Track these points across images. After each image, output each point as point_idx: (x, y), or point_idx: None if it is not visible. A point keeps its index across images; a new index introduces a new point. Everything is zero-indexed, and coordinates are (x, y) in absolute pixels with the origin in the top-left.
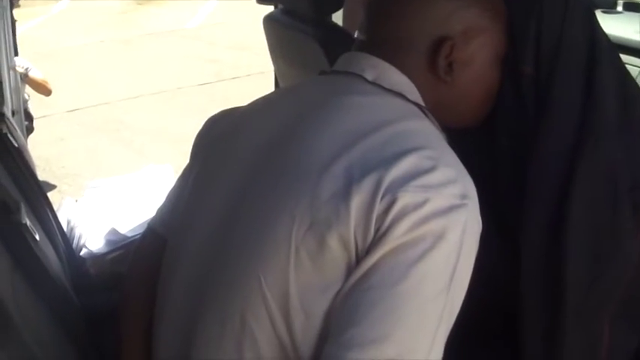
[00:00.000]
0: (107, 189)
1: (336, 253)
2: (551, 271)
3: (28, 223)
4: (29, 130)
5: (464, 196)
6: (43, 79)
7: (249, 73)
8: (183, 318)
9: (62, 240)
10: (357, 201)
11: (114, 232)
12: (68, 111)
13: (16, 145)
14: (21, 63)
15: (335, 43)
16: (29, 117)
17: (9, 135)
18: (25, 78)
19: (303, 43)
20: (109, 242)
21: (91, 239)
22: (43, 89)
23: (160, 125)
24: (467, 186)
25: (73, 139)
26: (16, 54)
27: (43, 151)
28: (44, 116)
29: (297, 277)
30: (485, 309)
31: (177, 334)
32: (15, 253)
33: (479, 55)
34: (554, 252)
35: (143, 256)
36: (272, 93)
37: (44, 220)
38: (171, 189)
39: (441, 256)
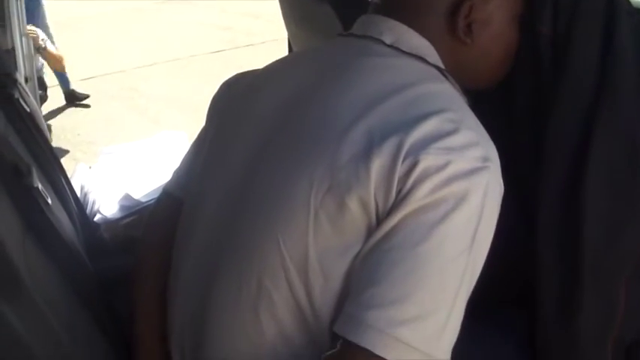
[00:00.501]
0: (121, 155)
1: (356, 215)
2: (568, 232)
3: (40, 186)
4: (43, 98)
5: (486, 159)
6: (59, 54)
7: (263, 41)
8: (198, 281)
9: (75, 205)
10: (378, 164)
11: (128, 197)
12: (83, 79)
13: (29, 110)
14: (39, 35)
15: (348, 5)
16: (43, 86)
17: (21, 100)
18: (42, 51)
19: (315, 6)
20: (122, 208)
21: (105, 205)
22: (58, 64)
23: (174, 93)
24: (488, 148)
25: (87, 107)
26: (43, 23)
27: (58, 119)
28: (59, 85)
29: (316, 240)
30: (503, 272)
31: (192, 297)
32: (26, 216)
33: (497, 15)
34: (571, 213)
35: (158, 219)
36: (289, 55)
37: (57, 185)
38: (187, 152)
39: (462, 218)
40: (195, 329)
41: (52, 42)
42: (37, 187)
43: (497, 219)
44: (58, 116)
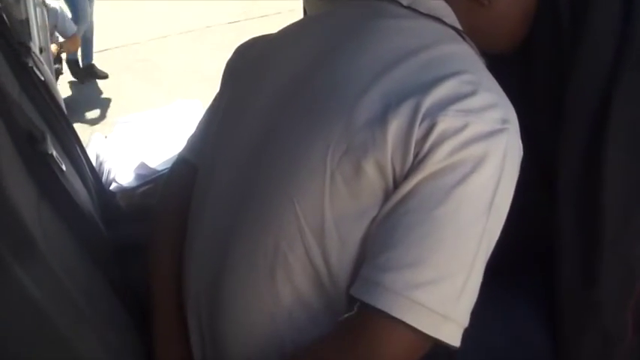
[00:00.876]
0: (136, 124)
1: (373, 178)
2: (588, 197)
3: (55, 153)
4: (59, 72)
5: (505, 121)
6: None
7: (278, 11)
8: (214, 247)
9: (91, 174)
10: (394, 126)
11: (143, 166)
12: (98, 51)
13: (43, 79)
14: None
15: None
16: (59, 60)
17: (35, 69)
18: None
19: None
20: (138, 176)
21: (121, 173)
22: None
23: (189, 64)
24: (507, 111)
25: (103, 80)
26: None
27: (73, 92)
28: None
29: (332, 203)
30: (522, 237)
31: (208, 262)
32: (41, 182)
33: None
34: (591, 178)
35: (173, 186)
36: (303, 19)
37: (72, 154)
38: (202, 118)
39: (480, 181)
40: (211, 295)
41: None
42: (52, 154)
43: (515, 182)
44: (73, 88)
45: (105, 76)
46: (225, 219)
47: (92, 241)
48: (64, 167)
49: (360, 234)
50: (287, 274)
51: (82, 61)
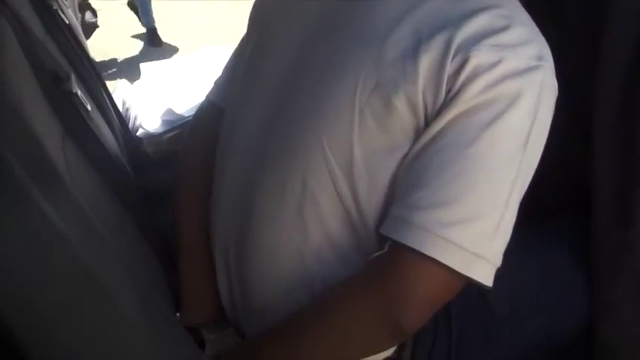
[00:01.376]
0: (163, 70)
1: (403, 115)
2: (624, 137)
3: (79, 92)
4: (94, 26)
5: (540, 58)
6: None
7: None
8: (241, 188)
9: (117, 120)
10: (426, 61)
11: (170, 112)
12: (124, 3)
13: (67, 22)
14: None
15: None
16: (94, 12)
17: (59, 12)
18: None
19: None
20: (165, 122)
21: (147, 120)
22: None
23: (215, 16)
24: (542, 47)
25: (129, 31)
26: None
27: (101, 42)
28: (100, 9)
29: (361, 140)
30: (557, 177)
31: (236, 204)
32: (65, 120)
33: None
34: (627, 120)
35: (200, 129)
36: None
37: (97, 98)
38: (228, 61)
39: (515, 119)
40: (239, 236)
41: None
42: (76, 93)
43: (550, 121)
44: (101, 39)
45: (160, 43)
46: (251, 161)
47: (120, 183)
48: (89, 107)
49: (390, 172)
50: (316, 214)
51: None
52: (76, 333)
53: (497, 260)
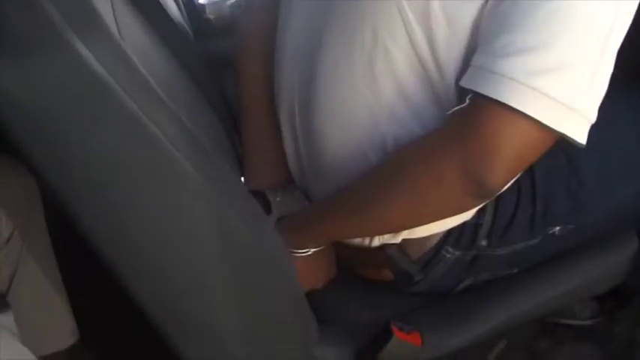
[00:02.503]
0: None
1: None
2: None
3: None
4: None
5: None
6: None
7: None
8: (307, 42)
9: None
10: None
11: None
12: None
13: None
14: None
15: None
16: None
17: None
18: None
19: None
20: None
21: None
22: None
23: None
24: None
25: None
26: None
27: None
28: None
29: None
30: None
31: (301, 61)
32: None
33: None
34: None
35: None
36: None
37: None
38: None
39: None
40: (305, 95)
41: None
42: None
43: None
44: None
45: None
46: (316, 17)
47: (181, 47)
48: None
49: (471, 17)
50: (388, 66)
51: None
52: (126, 181)
53: (593, 116)
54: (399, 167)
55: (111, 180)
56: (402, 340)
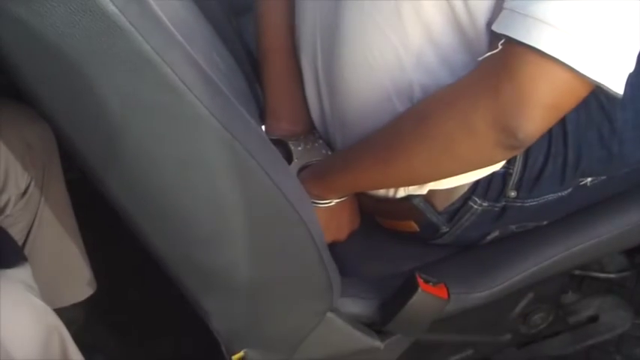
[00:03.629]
0: None
1: None
2: None
3: None
4: None
5: None
6: None
7: None
8: None
9: None
10: None
11: None
12: None
13: None
14: None
15: None
16: None
17: None
18: None
19: None
20: None
21: None
22: None
23: None
24: None
25: None
26: None
27: None
28: None
29: None
30: None
31: (324, 4)
32: None
33: None
34: None
35: None
36: None
37: None
38: None
39: None
40: (327, 38)
41: None
42: None
43: None
44: None
45: None
46: None
47: None
48: None
49: None
50: (415, 10)
51: None
52: (141, 126)
53: (631, 65)
54: (427, 116)
55: (125, 124)
56: (428, 292)
